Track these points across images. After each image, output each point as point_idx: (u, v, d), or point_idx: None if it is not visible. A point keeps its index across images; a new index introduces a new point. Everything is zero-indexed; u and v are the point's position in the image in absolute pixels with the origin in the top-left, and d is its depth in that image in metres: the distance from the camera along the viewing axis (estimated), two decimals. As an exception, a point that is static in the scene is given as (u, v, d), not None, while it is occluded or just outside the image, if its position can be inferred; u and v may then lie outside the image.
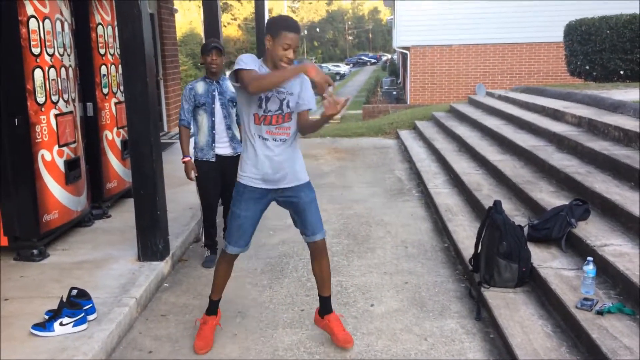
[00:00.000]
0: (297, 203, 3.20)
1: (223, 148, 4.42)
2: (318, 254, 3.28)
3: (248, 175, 3.13)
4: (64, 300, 3.32)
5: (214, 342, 3.38)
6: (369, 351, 3.27)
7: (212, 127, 4.37)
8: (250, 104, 3.05)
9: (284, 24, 2.97)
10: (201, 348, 3.29)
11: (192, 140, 4.51)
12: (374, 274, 4.37)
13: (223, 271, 3.34)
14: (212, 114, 4.35)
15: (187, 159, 4.46)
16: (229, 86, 4.37)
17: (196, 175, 4.47)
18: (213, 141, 4.39)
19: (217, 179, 4.48)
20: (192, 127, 4.48)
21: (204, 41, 5.45)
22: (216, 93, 4.36)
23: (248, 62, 2.98)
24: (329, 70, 51.47)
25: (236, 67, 2.97)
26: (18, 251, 4.36)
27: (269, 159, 3.09)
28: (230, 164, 4.34)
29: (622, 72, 10.96)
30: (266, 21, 3.38)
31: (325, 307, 3.39)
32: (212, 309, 3.41)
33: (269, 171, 3.10)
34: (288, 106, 3.08)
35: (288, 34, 2.93)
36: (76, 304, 3.33)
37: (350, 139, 10.85)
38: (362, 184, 7.18)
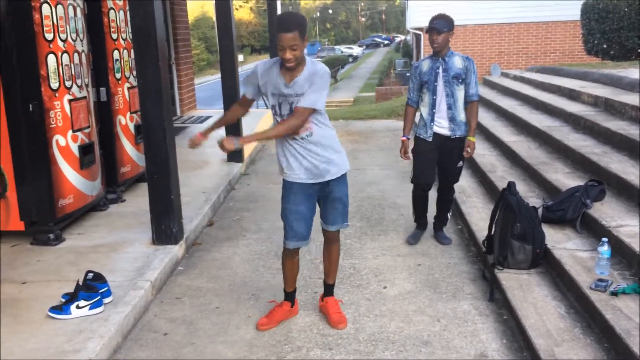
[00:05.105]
0: (329, 194, 3.26)
1: (442, 128, 4.27)
2: (330, 240, 3.39)
3: (294, 173, 3.15)
4: (80, 283, 3.37)
5: (228, 324, 3.43)
6: (382, 332, 3.28)
7: (433, 105, 4.24)
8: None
9: (278, 23, 2.91)
10: (262, 324, 3.34)
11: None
12: (387, 256, 4.37)
13: (288, 266, 3.37)
14: (433, 92, 4.22)
15: (404, 138, 4.40)
16: (456, 63, 4.17)
17: (411, 153, 4.42)
18: (432, 120, 4.26)
19: (433, 159, 4.37)
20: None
21: (215, 25, 5.39)
22: (440, 70, 4.18)
23: (246, 80, 3.20)
24: (342, 52, 51.05)
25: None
26: (34, 236, 4.42)
27: (303, 157, 3.11)
28: (449, 146, 4.29)
29: (640, 50, 10.74)
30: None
31: (327, 291, 3.49)
32: (288, 298, 3.46)
33: (310, 166, 3.13)
34: None
35: (280, 35, 2.87)
36: (92, 287, 3.38)
37: (363, 121, 10.80)
38: (375, 167, 7.17)
